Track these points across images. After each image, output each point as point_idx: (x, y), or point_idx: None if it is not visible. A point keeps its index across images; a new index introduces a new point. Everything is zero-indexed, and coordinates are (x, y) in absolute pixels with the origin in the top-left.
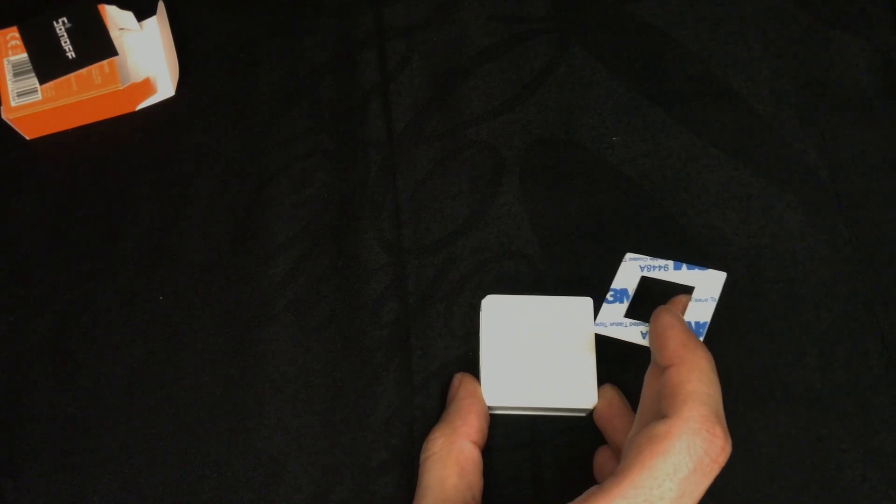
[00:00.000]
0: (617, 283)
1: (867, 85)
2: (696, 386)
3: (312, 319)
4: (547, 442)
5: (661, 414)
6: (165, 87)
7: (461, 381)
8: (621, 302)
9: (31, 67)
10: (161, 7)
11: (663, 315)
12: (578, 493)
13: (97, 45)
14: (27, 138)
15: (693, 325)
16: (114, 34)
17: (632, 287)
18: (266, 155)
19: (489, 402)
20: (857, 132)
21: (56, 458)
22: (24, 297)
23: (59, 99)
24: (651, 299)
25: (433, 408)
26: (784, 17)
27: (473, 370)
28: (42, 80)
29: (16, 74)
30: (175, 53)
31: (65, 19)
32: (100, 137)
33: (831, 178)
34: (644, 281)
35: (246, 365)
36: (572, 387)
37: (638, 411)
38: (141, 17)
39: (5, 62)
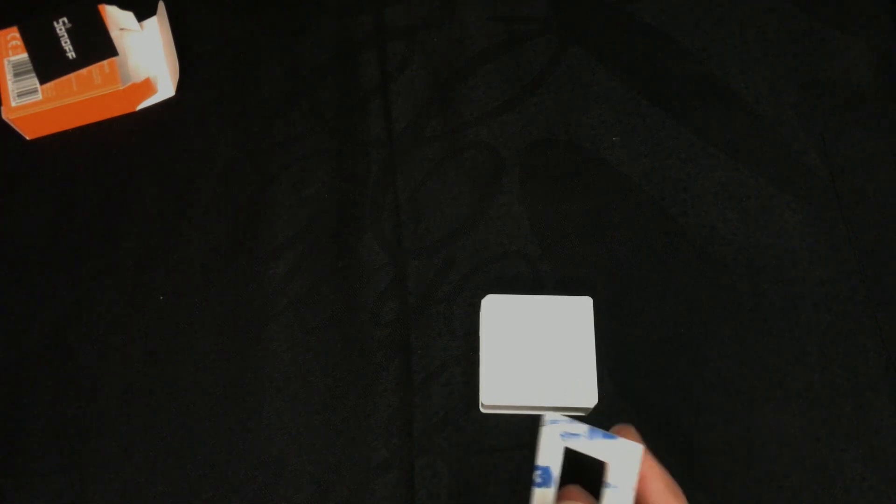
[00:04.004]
0: (541, 458)
1: (867, 85)
2: None
3: (312, 319)
4: None
5: None
6: (166, 87)
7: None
8: (548, 486)
9: (31, 67)
10: (161, 7)
11: None
12: None
13: (97, 45)
14: (27, 138)
15: None
16: (114, 34)
17: (556, 464)
18: (266, 155)
19: (489, 402)
20: (857, 132)
21: (56, 458)
22: (24, 297)
23: (59, 99)
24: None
25: (433, 408)
26: (784, 17)
27: (473, 370)
28: (42, 81)
29: (16, 74)
30: (175, 53)
31: (65, 19)
32: (100, 137)
33: (831, 178)
34: (569, 453)
35: (246, 365)
36: (572, 386)
37: None
38: (141, 17)
39: (6, 62)
